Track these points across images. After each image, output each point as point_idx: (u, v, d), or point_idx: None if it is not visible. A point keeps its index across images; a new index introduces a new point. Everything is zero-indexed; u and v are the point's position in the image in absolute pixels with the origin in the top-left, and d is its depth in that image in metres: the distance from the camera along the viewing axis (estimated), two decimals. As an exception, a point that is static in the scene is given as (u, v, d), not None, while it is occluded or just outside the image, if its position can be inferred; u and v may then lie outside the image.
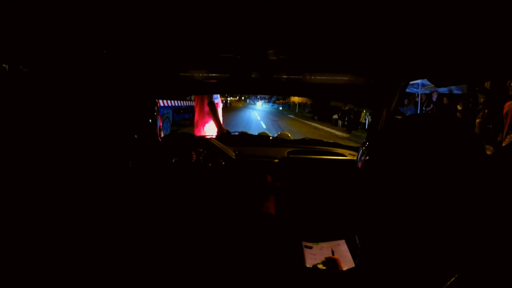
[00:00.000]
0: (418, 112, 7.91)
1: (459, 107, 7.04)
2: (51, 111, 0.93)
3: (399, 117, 1.03)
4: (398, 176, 0.48)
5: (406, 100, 8.83)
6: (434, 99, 7.97)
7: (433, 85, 1.43)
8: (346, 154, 1.65)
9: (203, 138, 1.62)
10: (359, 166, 0.57)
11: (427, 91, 7.82)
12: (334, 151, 1.72)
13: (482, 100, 6.17)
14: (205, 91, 1.64)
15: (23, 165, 0.84)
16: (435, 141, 0.47)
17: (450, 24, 0.63)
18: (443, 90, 7.43)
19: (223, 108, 3.02)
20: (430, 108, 7.96)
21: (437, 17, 0.60)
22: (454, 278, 0.38)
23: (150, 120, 1.44)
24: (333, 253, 1.07)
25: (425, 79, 1.14)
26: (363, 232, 0.63)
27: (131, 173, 1.27)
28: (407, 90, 1.51)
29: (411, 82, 1.43)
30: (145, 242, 1.07)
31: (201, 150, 1.55)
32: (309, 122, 15.79)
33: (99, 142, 1.07)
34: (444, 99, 7.59)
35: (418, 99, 8.04)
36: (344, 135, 10.56)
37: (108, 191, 1.07)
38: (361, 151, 0.58)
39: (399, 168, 0.48)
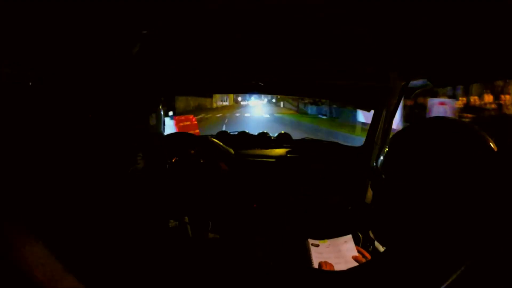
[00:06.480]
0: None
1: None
2: (59, 115, 0.80)
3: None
4: (419, 178, 0.49)
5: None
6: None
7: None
8: (347, 154, 1.68)
9: (203, 137, 1.62)
10: (379, 167, 0.57)
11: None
12: (334, 151, 1.74)
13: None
14: (206, 91, 1.83)
15: (31, 168, 0.71)
16: (450, 143, 0.48)
17: (450, 24, 0.65)
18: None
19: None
20: None
21: (437, 17, 0.62)
22: (460, 271, 0.39)
23: (156, 121, 1.29)
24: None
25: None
26: (379, 228, 0.62)
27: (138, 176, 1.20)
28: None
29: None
30: (145, 242, 0.96)
31: (201, 149, 1.53)
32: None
33: (108, 146, 0.92)
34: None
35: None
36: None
37: (115, 193, 0.93)
38: (382, 155, 0.58)
39: (420, 169, 0.49)
